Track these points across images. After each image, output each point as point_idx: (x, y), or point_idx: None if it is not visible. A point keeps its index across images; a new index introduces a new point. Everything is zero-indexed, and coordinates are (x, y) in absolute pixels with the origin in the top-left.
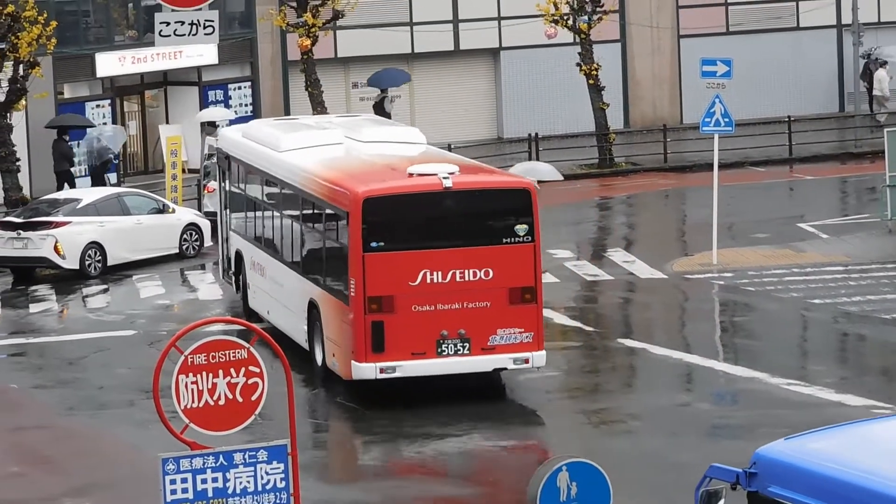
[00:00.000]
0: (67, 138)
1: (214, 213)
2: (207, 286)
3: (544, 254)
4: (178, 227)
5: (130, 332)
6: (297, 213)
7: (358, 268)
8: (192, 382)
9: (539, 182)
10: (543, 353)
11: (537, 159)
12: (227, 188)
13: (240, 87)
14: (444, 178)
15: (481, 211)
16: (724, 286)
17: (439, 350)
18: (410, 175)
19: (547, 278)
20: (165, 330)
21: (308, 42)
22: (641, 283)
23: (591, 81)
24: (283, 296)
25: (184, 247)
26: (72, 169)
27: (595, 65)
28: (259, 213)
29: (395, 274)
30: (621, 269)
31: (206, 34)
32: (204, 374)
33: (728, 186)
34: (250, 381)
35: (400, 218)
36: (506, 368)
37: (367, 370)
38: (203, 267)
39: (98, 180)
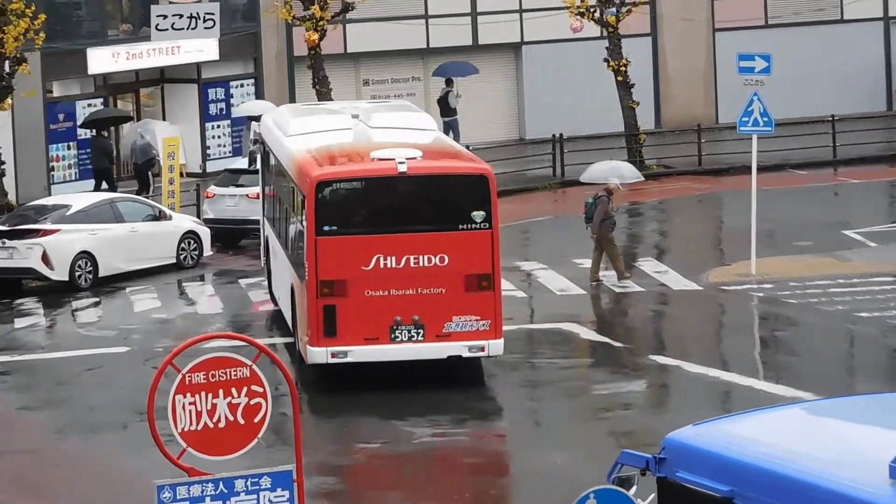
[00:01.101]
0: (107, 134)
1: (215, 220)
2: (207, 299)
3: (570, 264)
4: (175, 235)
5: (124, 349)
6: (288, 197)
7: (311, 251)
8: (191, 403)
9: (622, 184)
10: (501, 341)
11: (562, 162)
12: (262, 174)
13: (242, 85)
14: (400, 162)
15: (437, 196)
16: (764, 298)
17: (393, 336)
18: (372, 159)
19: (573, 290)
20: (162, 346)
21: (316, 36)
22: (674, 295)
23: (619, 78)
24: (283, 281)
25: (181, 256)
26: (112, 166)
27: (624, 60)
28: (274, 199)
29: (348, 258)
30: (653, 280)
31: (206, 28)
32: (203, 394)
33: (767, 191)
34: (253, 402)
35: (353, 202)
36: (461, 356)
37: (319, 354)
38: (202, 278)
39: (142, 180)
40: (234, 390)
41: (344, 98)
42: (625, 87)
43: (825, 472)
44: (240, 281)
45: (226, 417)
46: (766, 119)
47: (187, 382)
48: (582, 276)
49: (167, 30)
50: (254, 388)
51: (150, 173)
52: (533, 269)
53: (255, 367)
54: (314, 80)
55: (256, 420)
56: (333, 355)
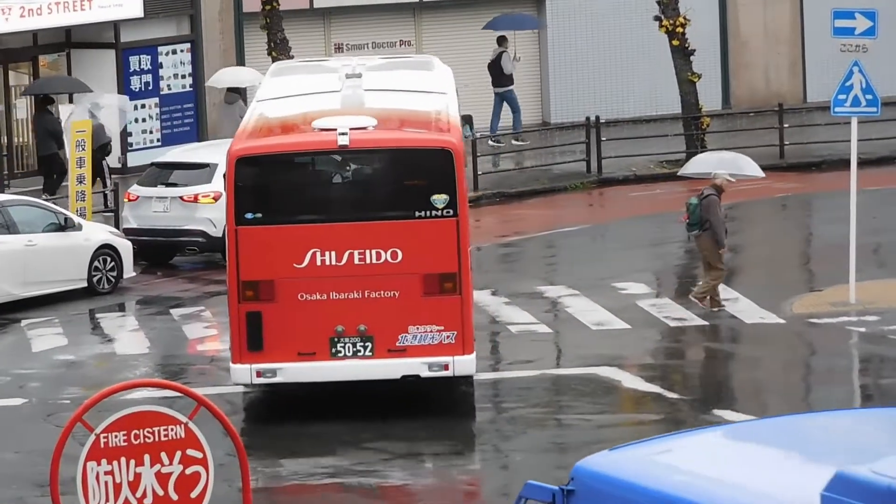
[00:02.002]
0: (54, 110)
1: (139, 231)
2: (129, 335)
3: (610, 288)
4: (86, 250)
5: (18, 401)
6: None
7: (231, 244)
8: (107, 473)
9: (733, 176)
10: (471, 357)
11: (598, 155)
12: None
13: (174, 52)
14: (342, 133)
15: (388, 176)
16: (867, 335)
17: (333, 350)
18: (313, 130)
19: (614, 323)
20: (68, 398)
21: None
22: (748, 331)
23: (675, 42)
24: None
25: (95, 278)
26: (61, 151)
27: (681, 18)
28: None
29: (275, 253)
30: (719, 311)
31: None
32: (123, 460)
33: (872, 192)
34: (189, 472)
35: (283, 183)
36: (418, 376)
37: (241, 373)
38: (122, 307)
39: (95, 170)
40: (164, 456)
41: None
42: (682, 54)
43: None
44: (172, 311)
45: (153, 492)
46: (869, 97)
47: (102, 445)
48: (625, 306)
49: None
50: (190, 452)
51: (104, 163)
52: (561, 295)
53: (191, 424)
54: (270, 44)
55: (194, 495)
56: (259, 374)
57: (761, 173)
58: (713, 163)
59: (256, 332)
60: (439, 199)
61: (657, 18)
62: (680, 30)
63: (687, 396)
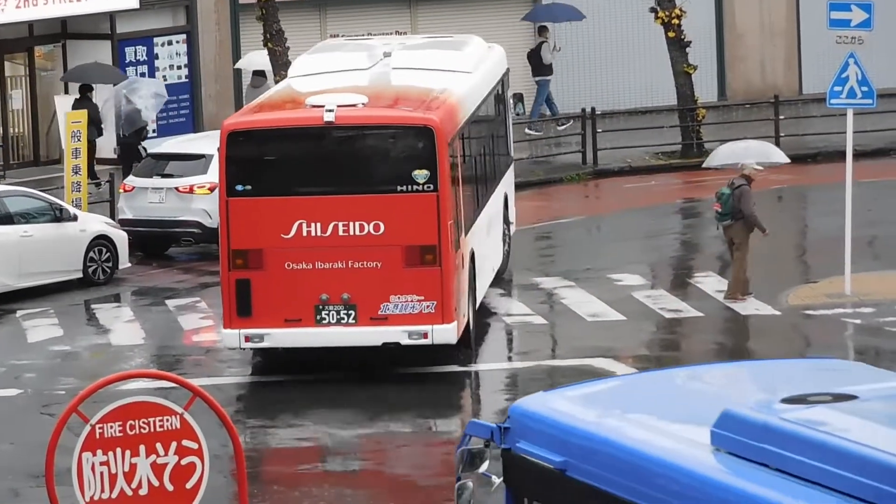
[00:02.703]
0: (93, 97)
1: (135, 222)
2: (124, 326)
3: (605, 279)
4: (82, 241)
5: (14, 392)
6: None
7: (222, 215)
8: (102, 463)
9: (761, 164)
10: (451, 326)
11: (594, 146)
12: None
13: (170, 43)
14: (328, 110)
15: (371, 152)
16: (862, 327)
17: (318, 317)
18: (305, 106)
19: (609, 315)
20: (64, 388)
21: None
22: (744, 322)
23: (670, 34)
24: None
25: (90, 269)
26: (99, 139)
27: (677, 10)
28: None
29: (264, 224)
30: (714, 303)
31: None
32: (119, 451)
33: (868, 184)
34: (185, 462)
35: (271, 157)
36: (398, 344)
37: (231, 337)
38: (118, 298)
39: (131, 154)
40: (159, 446)
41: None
42: (678, 45)
43: (649, 441)
44: (167, 302)
45: (149, 482)
46: (865, 89)
47: (98, 436)
48: (620, 298)
49: None
50: (186, 443)
51: (140, 147)
52: (556, 286)
53: (187, 415)
54: (266, 35)
55: (189, 486)
56: (248, 339)
57: (786, 159)
58: (739, 153)
59: (245, 299)
60: (420, 175)
61: (653, 10)
62: (676, 21)
63: None
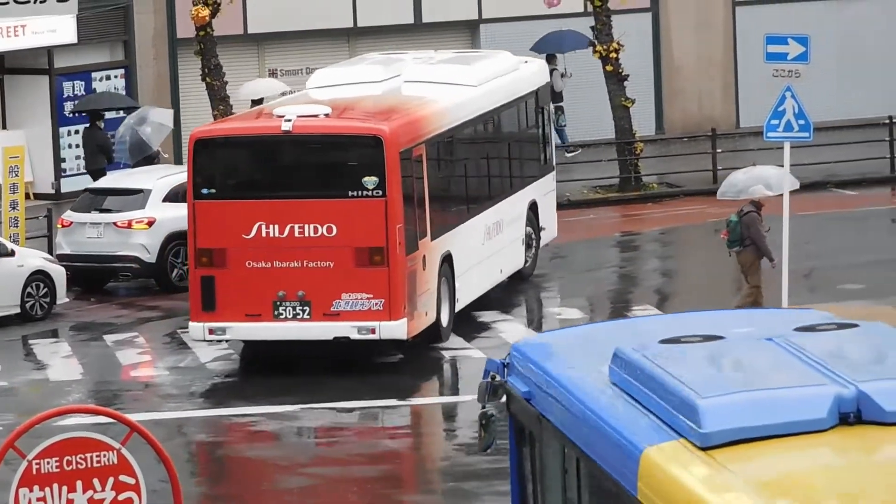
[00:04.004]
0: (103, 125)
1: (73, 257)
2: (62, 361)
3: (544, 312)
4: (19, 276)
5: None
6: None
7: (190, 216)
8: (39, 499)
9: (769, 188)
10: (399, 323)
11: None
12: None
13: (108, 77)
14: (287, 120)
15: (325, 159)
16: None
17: (276, 313)
18: (271, 116)
19: None
20: (1, 424)
21: (206, 12)
22: None
23: (608, 68)
24: None
25: (28, 304)
26: (108, 166)
27: (615, 44)
28: None
29: (227, 225)
30: None
31: (59, 0)
32: (56, 486)
33: (805, 216)
34: (122, 497)
35: (233, 163)
36: (348, 338)
37: (196, 330)
38: (55, 333)
39: None
40: (96, 482)
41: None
42: (616, 79)
43: (569, 375)
44: (105, 337)
45: None
46: (802, 122)
47: (35, 472)
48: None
49: (7, 2)
50: (123, 478)
51: None
52: (494, 320)
53: (124, 451)
54: (204, 69)
55: None
56: (211, 331)
57: (797, 184)
58: (746, 181)
59: (210, 294)
60: (370, 181)
61: (591, 44)
62: (613, 55)
63: None
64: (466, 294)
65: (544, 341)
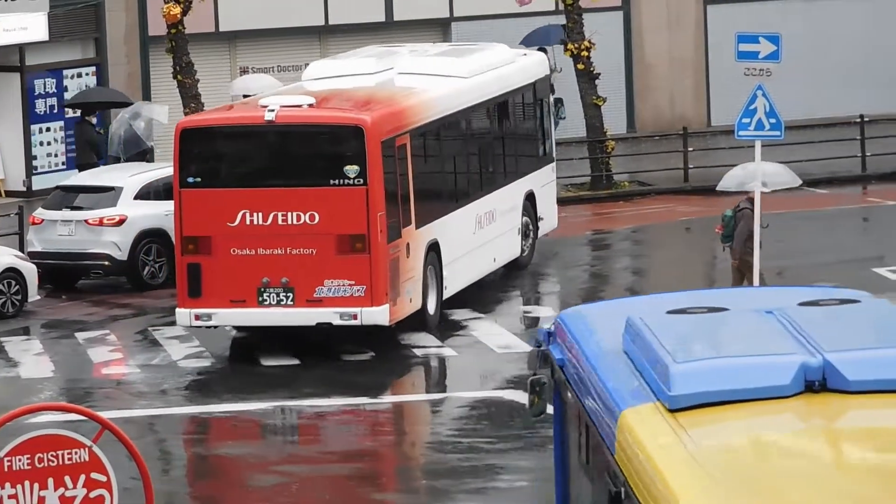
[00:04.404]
0: (94, 121)
1: (44, 254)
2: (33, 359)
3: (516, 311)
4: None
5: None
6: None
7: (176, 205)
8: (11, 496)
9: (767, 185)
10: (380, 309)
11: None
12: None
13: (80, 75)
14: (270, 110)
15: (307, 148)
16: None
17: (260, 299)
18: (257, 107)
19: (519, 346)
20: None
21: (178, 10)
22: None
23: (580, 66)
24: None
25: None
26: (100, 161)
27: (586, 42)
28: None
29: (212, 213)
30: None
31: None
32: (27, 483)
33: (776, 215)
34: (94, 495)
35: (218, 152)
36: (331, 324)
37: (183, 316)
38: (26, 331)
39: None
40: (67, 479)
41: (216, 91)
42: (587, 77)
43: (589, 344)
44: (77, 335)
45: None
46: (773, 121)
47: (6, 469)
48: (530, 331)
49: None
50: (94, 476)
51: None
52: (466, 318)
53: (95, 448)
54: (175, 67)
55: None
56: (197, 317)
57: (798, 181)
58: (742, 176)
59: (196, 281)
60: (351, 170)
61: (562, 42)
62: (585, 54)
63: None
64: (455, 282)
65: (583, 311)
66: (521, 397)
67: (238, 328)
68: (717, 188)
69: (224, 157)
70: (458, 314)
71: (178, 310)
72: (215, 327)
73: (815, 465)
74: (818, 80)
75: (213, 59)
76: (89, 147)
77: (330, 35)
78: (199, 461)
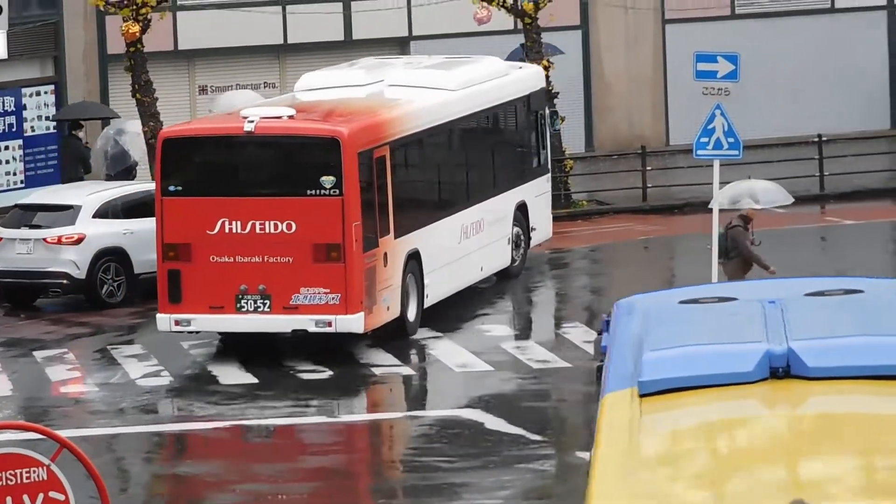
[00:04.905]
0: (82, 135)
1: (2, 273)
2: None
3: (474, 330)
4: None
5: None
6: None
7: (158, 212)
8: None
9: (758, 202)
10: (355, 317)
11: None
12: None
13: (38, 93)
14: (250, 121)
15: (284, 159)
16: None
17: (238, 305)
18: (241, 118)
19: (477, 366)
20: None
21: (137, 28)
22: None
23: None
24: None
25: None
26: (86, 176)
27: (545, 62)
28: None
29: (192, 221)
30: (582, 353)
31: None
32: None
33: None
34: None
35: (198, 162)
36: (306, 331)
37: (163, 321)
38: None
39: None
40: (26, 498)
41: (175, 109)
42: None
43: (623, 330)
44: (35, 354)
45: None
46: (731, 140)
47: None
48: (488, 348)
49: None
50: (53, 494)
51: None
52: (424, 337)
53: (53, 466)
54: (135, 85)
55: None
56: (177, 323)
57: (790, 199)
58: (732, 194)
59: (176, 287)
60: (327, 181)
61: (521, 61)
62: (544, 73)
63: (549, 438)
64: (438, 290)
65: (633, 300)
66: (480, 416)
67: (222, 335)
68: (710, 206)
69: (204, 167)
70: (417, 333)
71: (158, 315)
72: (196, 332)
73: (751, 447)
74: (776, 99)
75: (172, 78)
76: (78, 162)
77: (289, 54)
78: (157, 480)
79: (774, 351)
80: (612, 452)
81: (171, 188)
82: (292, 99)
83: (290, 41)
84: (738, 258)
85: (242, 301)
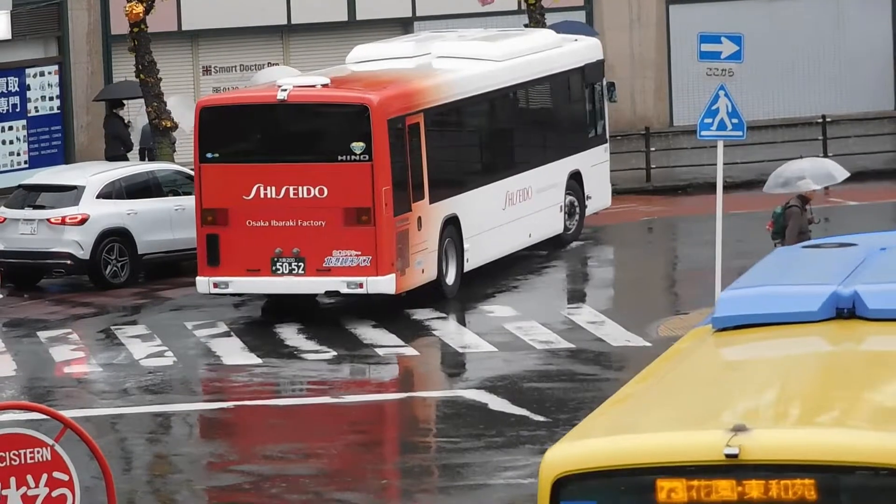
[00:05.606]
0: (123, 114)
1: (5, 253)
2: None
3: (477, 311)
4: None
5: None
6: None
7: (196, 178)
8: None
9: (816, 181)
10: (386, 279)
11: None
12: None
13: (42, 74)
14: (283, 90)
15: (316, 126)
16: None
17: (273, 268)
18: (274, 87)
19: (480, 346)
20: None
21: (140, 8)
22: (615, 354)
23: None
24: None
25: None
26: (129, 154)
27: None
28: None
29: (229, 186)
30: (586, 334)
31: None
32: None
33: (738, 215)
34: (56, 494)
35: (234, 129)
36: (338, 292)
37: (202, 284)
38: None
39: None
40: (29, 478)
41: (178, 89)
42: None
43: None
44: (39, 334)
45: None
46: (735, 121)
47: None
48: (492, 329)
49: None
50: (56, 475)
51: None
52: (428, 318)
53: (57, 447)
54: (138, 66)
55: None
56: (216, 285)
57: (845, 174)
58: (788, 174)
59: (214, 251)
60: (357, 146)
61: None
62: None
63: (551, 418)
64: (479, 255)
65: (731, 289)
66: (484, 397)
67: (265, 303)
68: (764, 190)
69: (240, 134)
70: (421, 314)
71: (197, 278)
72: (235, 295)
73: (799, 378)
74: (780, 80)
75: (175, 58)
76: (118, 140)
77: (292, 34)
78: (160, 460)
79: (841, 293)
80: (663, 369)
81: (209, 155)
82: (342, 69)
83: (293, 22)
84: (792, 238)
85: (278, 264)
